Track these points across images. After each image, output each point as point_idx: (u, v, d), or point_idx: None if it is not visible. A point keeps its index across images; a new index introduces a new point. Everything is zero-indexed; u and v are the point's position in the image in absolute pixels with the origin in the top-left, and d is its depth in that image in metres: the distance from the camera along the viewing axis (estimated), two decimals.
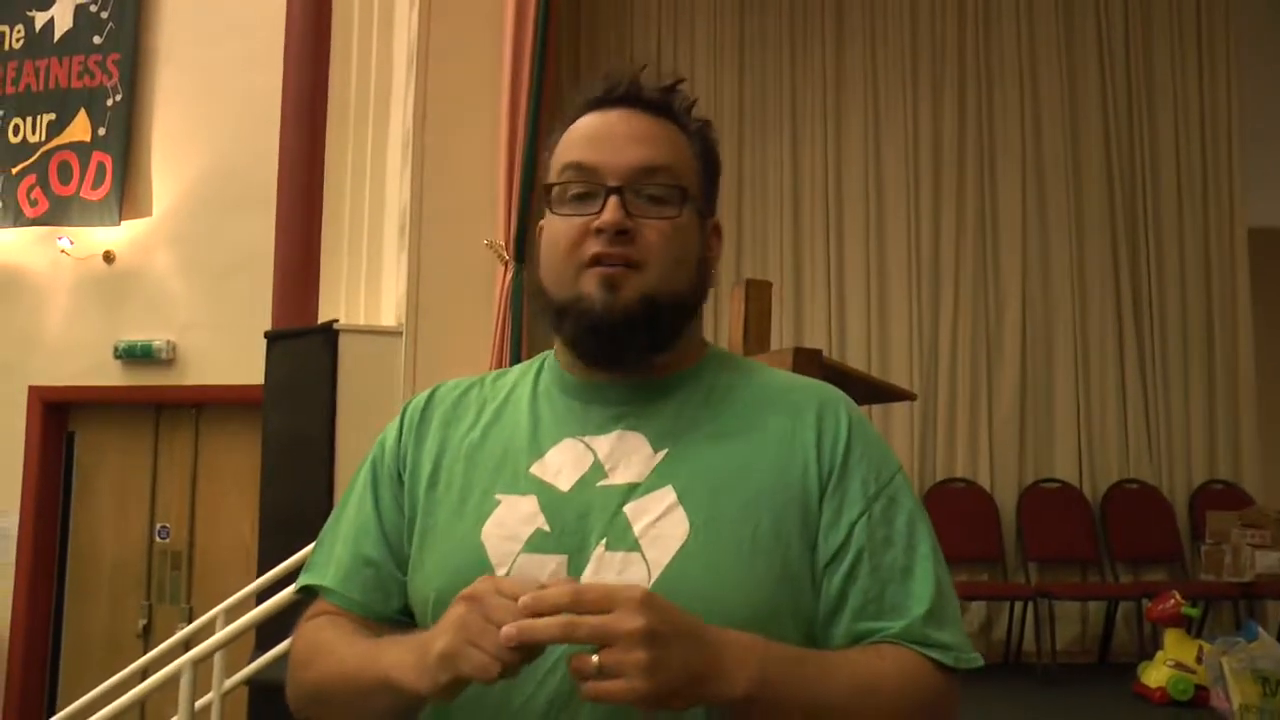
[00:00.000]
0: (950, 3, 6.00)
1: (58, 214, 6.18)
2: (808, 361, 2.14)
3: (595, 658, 0.80)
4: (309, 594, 1.10)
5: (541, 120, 4.67)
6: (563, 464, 1.02)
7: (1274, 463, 5.94)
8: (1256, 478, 5.74)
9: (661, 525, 0.96)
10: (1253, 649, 4.04)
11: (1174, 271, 5.92)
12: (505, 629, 0.80)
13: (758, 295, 2.29)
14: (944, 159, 5.90)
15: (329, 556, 1.09)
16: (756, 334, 2.28)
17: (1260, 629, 4.22)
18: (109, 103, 6.19)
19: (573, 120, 1.08)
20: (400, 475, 1.09)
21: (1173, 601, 4.34)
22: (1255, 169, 6.21)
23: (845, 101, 5.93)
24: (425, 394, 1.14)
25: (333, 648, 1.00)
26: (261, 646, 4.15)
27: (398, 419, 1.13)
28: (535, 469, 1.02)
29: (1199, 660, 4.25)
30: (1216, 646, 4.17)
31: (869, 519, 0.99)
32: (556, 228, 1.04)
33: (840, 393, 1.10)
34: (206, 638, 3.80)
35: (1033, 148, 5.94)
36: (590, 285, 1.00)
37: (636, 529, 0.96)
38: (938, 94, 5.95)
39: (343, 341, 4.76)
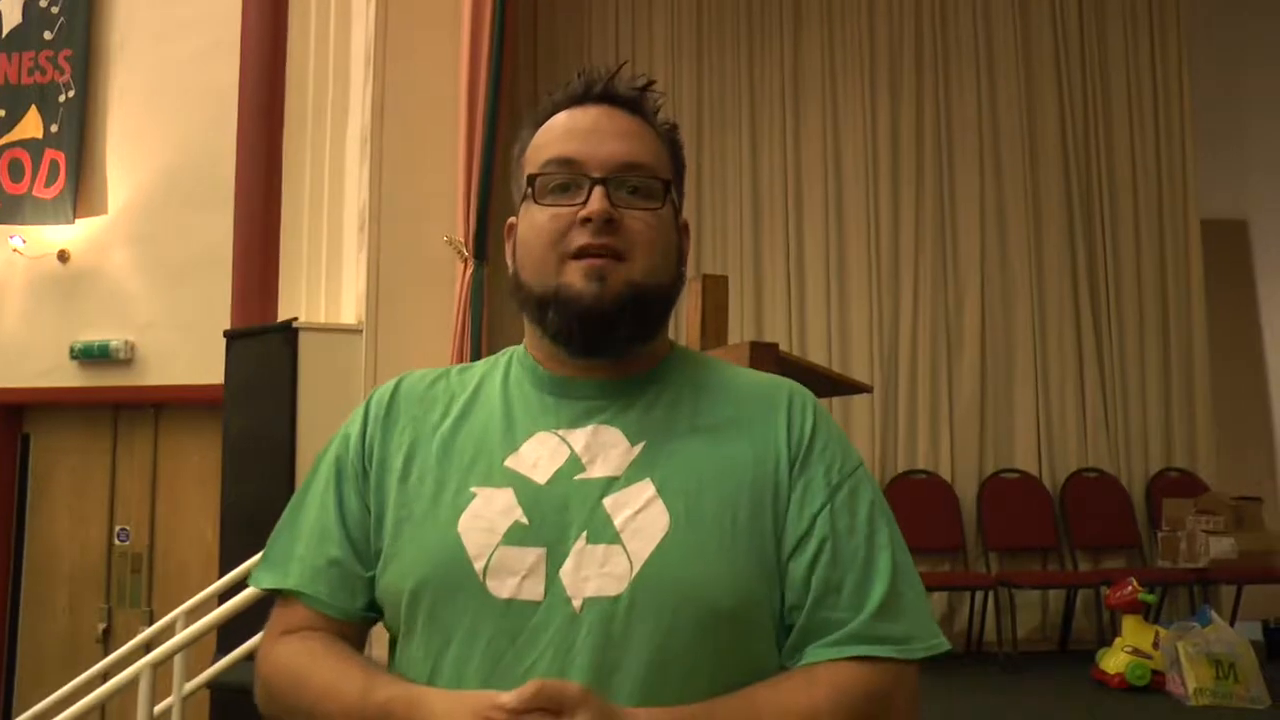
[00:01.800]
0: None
1: (9, 212, 6.07)
2: (764, 356, 2.14)
3: None
4: (275, 592, 1.09)
5: (500, 116, 4.66)
6: (539, 457, 1.02)
7: (1228, 450, 6.04)
8: (1211, 465, 5.84)
9: (642, 518, 0.97)
10: (1207, 633, 4.12)
11: (1130, 263, 6.00)
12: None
13: (714, 290, 2.29)
14: (902, 153, 5.94)
15: (289, 554, 1.08)
16: (713, 329, 2.28)
17: (1214, 613, 4.29)
18: (61, 99, 6.09)
19: (546, 117, 1.10)
20: (365, 469, 1.08)
21: (1130, 588, 4.40)
22: (1208, 161, 6.31)
23: (804, 96, 5.95)
24: (390, 384, 1.14)
25: (318, 686, 1.00)
26: (223, 648, 4.12)
27: (362, 410, 1.12)
28: (510, 462, 1.03)
29: (1156, 646, 4.32)
30: (1172, 632, 4.24)
31: (831, 509, 1.01)
32: (538, 218, 1.04)
33: (805, 389, 1.12)
34: (167, 640, 3.76)
35: (990, 142, 5.99)
36: (575, 277, 1.01)
37: (617, 522, 0.97)
38: (896, 89, 5.99)
39: (303, 340, 4.72)
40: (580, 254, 1.01)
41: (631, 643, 0.93)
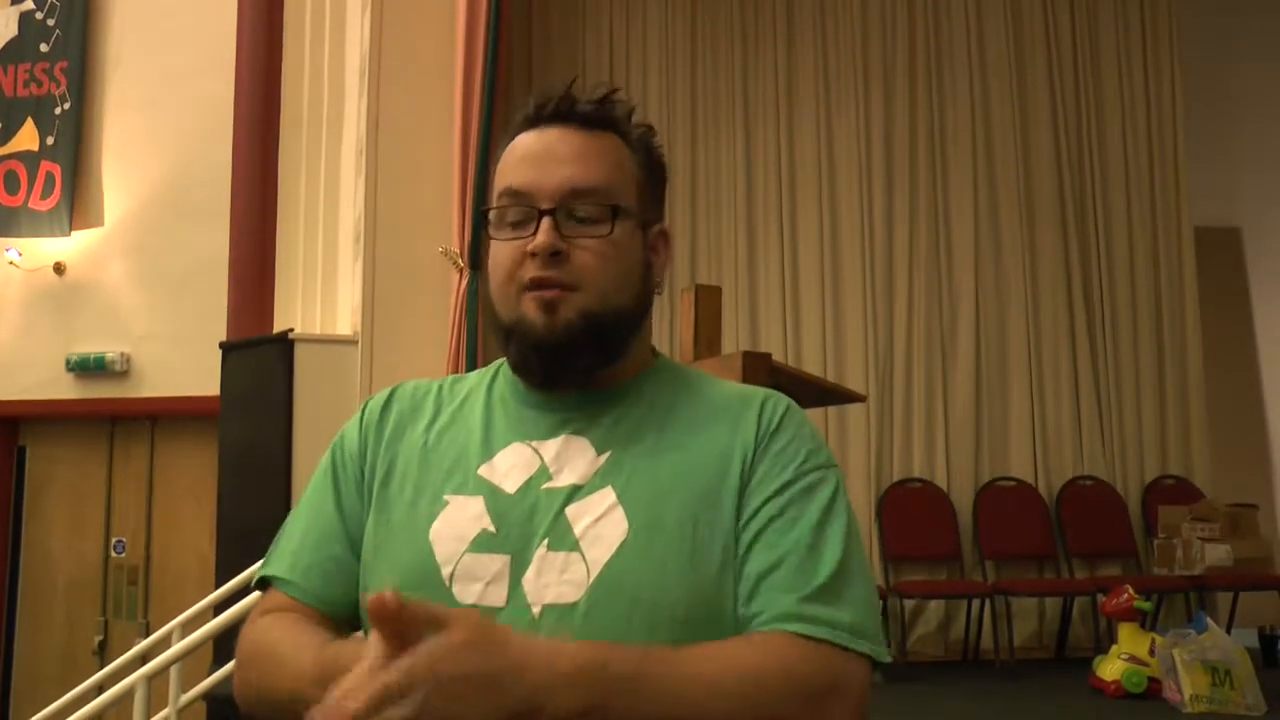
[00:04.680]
0: (900, 4, 6.07)
1: (5, 225, 6.09)
2: (757, 365, 2.15)
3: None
4: (265, 586, 1.11)
5: (494, 127, 4.67)
6: (510, 467, 1.04)
7: (1223, 457, 6.04)
8: (1206, 472, 5.84)
9: (601, 525, 0.98)
10: (1203, 640, 4.12)
11: (1124, 271, 6.02)
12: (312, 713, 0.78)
13: (707, 300, 2.30)
14: (896, 162, 5.96)
15: (287, 550, 1.10)
16: (707, 338, 2.29)
17: (1210, 620, 4.29)
18: (57, 111, 6.11)
19: (511, 139, 1.10)
20: (362, 470, 1.10)
21: (1126, 596, 4.41)
22: (1201, 168, 6.33)
23: (797, 104, 5.97)
24: (386, 392, 1.16)
25: (281, 654, 1.00)
26: (219, 660, 4.12)
27: (358, 415, 1.14)
28: (483, 470, 1.04)
29: (1152, 653, 4.32)
30: (1168, 639, 4.24)
31: (780, 498, 1.00)
32: (497, 252, 1.06)
33: (782, 395, 1.12)
34: (163, 652, 3.76)
35: (984, 151, 6.02)
36: (530, 308, 1.03)
37: (577, 529, 0.98)
38: (889, 98, 6.01)
39: (298, 351, 4.73)
40: (533, 285, 1.03)
41: None
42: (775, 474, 1.02)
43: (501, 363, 1.16)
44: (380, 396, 1.15)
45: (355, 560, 1.08)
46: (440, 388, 1.15)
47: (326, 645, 0.96)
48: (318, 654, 0.95)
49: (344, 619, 1.08)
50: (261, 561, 1.13)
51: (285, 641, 1.01)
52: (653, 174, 1.12)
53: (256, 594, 1.13)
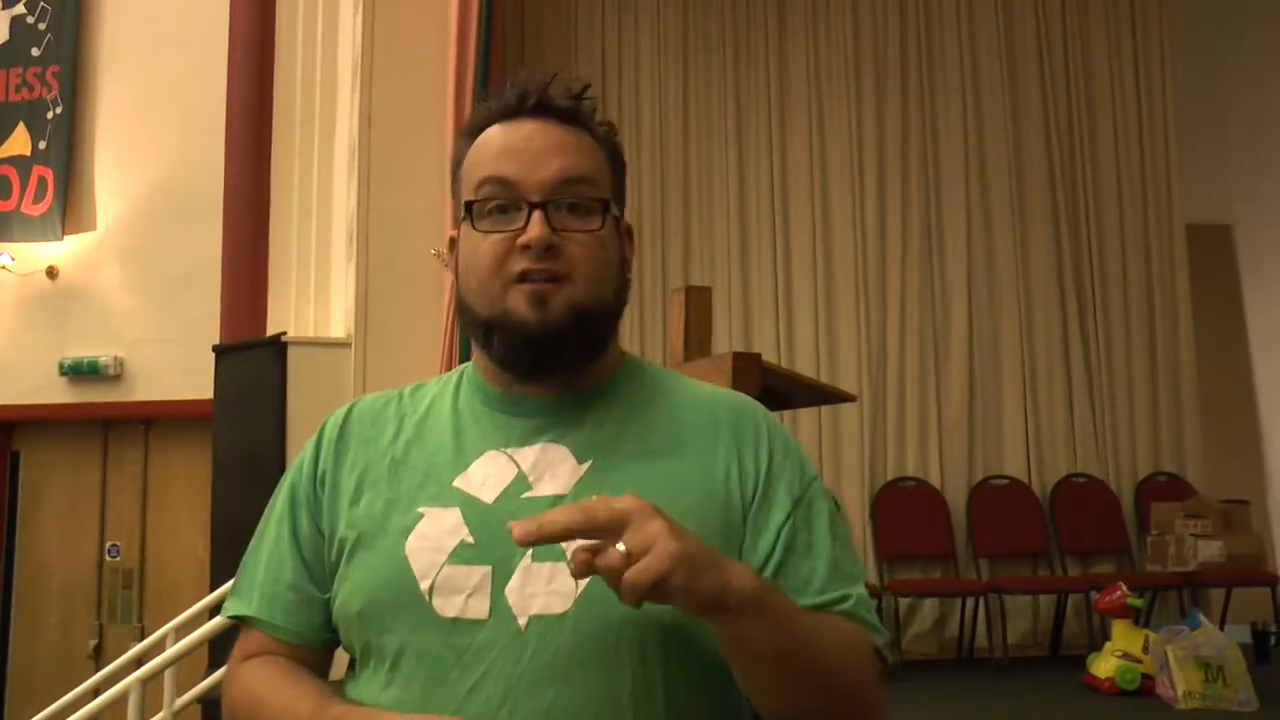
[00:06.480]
0: (891, 6, 6.08)
1: None
2: (747, 366, 2.15)
3: (621, 545, 0.83)
4: (235, 619, 1.11)
5: None
6: (486, 476, 1.02)
7: (1215, 454, 6.06)
8: (1199, 469, 5.87)
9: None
10: (1196, 637, 4.13)
11: (1116, 269, 6.04)
12: (521, 526, 0.84)
13: (698, 300, 2.29)
14: (888, 162, 5.98)
15: (252, 582, 1.09)
16: (697, 339, 2.29)
17: (1202, 617, 4.31)
18: (49, 115, 6.10)
19: (482, 127, 1.08)
20: (318, 493, 1.08)
21: (1119, 593, 4.42)
22: (1192, 166, 6.35)
23: (789, 105, 5.98)
24: (343, 410, 1.13)
25: (267, 707, 1.01)
26: (214, 664, 4.12)
27: (315, 437, 1.12)
28: (459, 482, 1.02)
29: (1145, 650, 4.34)
30: (1161, 635, 4.26)
31: (793, 523, 1.02)
32: (478, 244, 1.03)
33: (757, 403, 1.12)
34: (158, 656, 3.75)
35: (975, 150, 6.03)
36: (518, 302, 1.00)
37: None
38: (881, 97, 6.02)
39: (292, 354, 4.73)
40: (522, 278, 1.01)
41: (579, 659, 0.93)
42: (784, 502, 1.04)
43: (464, 368, 1.14)
44: (338, 415, 1.13)
45: (313, 585, 1.06)
46: (400, 398, 1.13)
47: (323, 703, 0.97)
48: (315, 711, 0.96)
49: (319, 647, 1.08)
50: (230, 590, 1.12)
51: (275, 695, 1.02)
52: (619, 169, 1.12)
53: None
